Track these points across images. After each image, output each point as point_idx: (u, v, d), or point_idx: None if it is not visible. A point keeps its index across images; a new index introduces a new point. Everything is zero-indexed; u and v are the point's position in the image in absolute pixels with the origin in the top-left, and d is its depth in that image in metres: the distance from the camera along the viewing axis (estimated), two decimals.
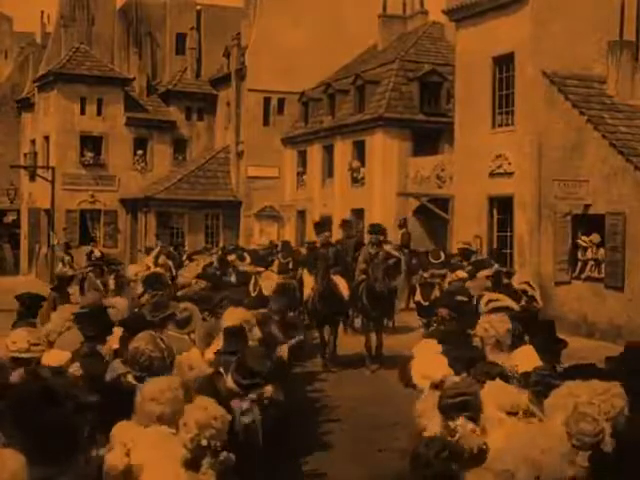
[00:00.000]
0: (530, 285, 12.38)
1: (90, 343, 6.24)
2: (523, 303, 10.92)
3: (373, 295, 14.02)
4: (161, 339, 5.23)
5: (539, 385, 5.05)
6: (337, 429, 10.68)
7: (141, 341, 5.21)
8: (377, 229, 14.94)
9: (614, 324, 17.52)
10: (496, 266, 15.30)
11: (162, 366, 5.03)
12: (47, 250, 34.00)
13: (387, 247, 15.37)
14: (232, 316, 7.44)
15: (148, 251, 21.12)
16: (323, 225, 16.69)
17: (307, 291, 14.81)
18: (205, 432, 4.34)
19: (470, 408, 4.51)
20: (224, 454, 4.51)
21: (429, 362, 5.78)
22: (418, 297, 14.80)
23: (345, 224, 17.94)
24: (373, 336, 14.69)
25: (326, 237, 15.14)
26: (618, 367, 5.47)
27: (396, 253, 15.78)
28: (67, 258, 18.96)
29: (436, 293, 13.87)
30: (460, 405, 4.50)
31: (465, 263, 15.53)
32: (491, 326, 6.39)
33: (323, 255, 14.47)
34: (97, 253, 19.41)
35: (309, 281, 14.92)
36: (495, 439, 4.21)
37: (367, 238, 16.78)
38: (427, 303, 13.92)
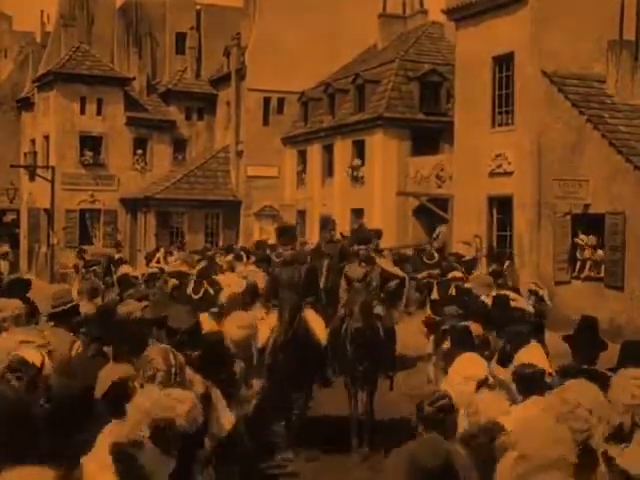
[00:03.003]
0: (538, 285, 12.26)
1: (96, 344, 6.26)
2: (533, 303, 10.89)
3: (355, 340, 9.38)
4: (175, 356, 5.23)
5: (521, 382, 5.08)
6: (337, 428, 10.62)
7: (153, 351, 5.23)
8: (366, 237, 10.64)
9: (614, 324, 17.50)
10: (494, 266, 15.25)
11: (165, 381, 5.02)
12: (47, 250, 34.00)
13: (383, 261, 11.32)
14: (236, 321, 7.00)
15: (150, 255, 20.80)
16: (289, 232, 11.04)
17: (263, 334, 9.37)
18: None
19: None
20: None
21: (468, 363, 5.73)
22: (435, 295, 13.36)
23: (325, 222, 13.02)
24: (363, 397, 9.86)
25: (293, 250, 10.33)
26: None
27: (399, 271, 11.47)
28: (82, 263, 18.82)
29: (452, 292, 12.34)
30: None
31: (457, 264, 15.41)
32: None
33: (288, 280, 9.73)
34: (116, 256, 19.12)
35: (271, 319, 9.69)
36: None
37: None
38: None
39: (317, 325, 9.68)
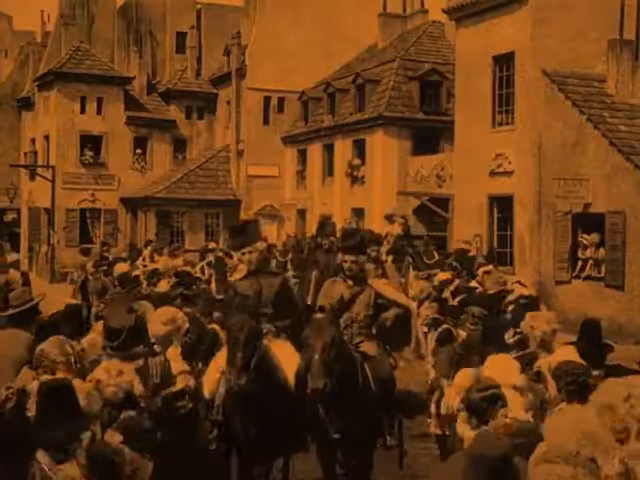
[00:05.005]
0: (521, 283, 12.21)
1: None
2: None
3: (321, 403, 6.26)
4: (71, 345, 5.27)
5: (572, 385, 5.05)
6: None
7: (48, 344, 5.29)
8: (353, 244, 7.20)
9: (614, 323, 17.49)
10: (490, 267, 15.17)
11: (67, 371, 5.09)
12: (47, 249, 33.98)
13: (381, 282, 8.39)
14: (160, 317, 6.96)
15: (134, 254, 20.33)
16: (243, 230, 7.80)
17: (211, 378, 6.66)
18: None
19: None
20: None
21: (502, 365, 5.60)
22: (446, 295, 12.40)
23: (322, 226, 10.31)
24: None
25: (255, 260, 7.35)
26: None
27: (402, 297, 7.96)
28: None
29: (447, 293, 11.99)
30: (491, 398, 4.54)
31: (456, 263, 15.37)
32: (538, 324, 6.34)
33: (244, 302, 6.84)
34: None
35: (220, 357, 6.58)
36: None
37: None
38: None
39: (290, 364, 6.61)
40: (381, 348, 7.05)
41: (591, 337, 6.27)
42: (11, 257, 16.88)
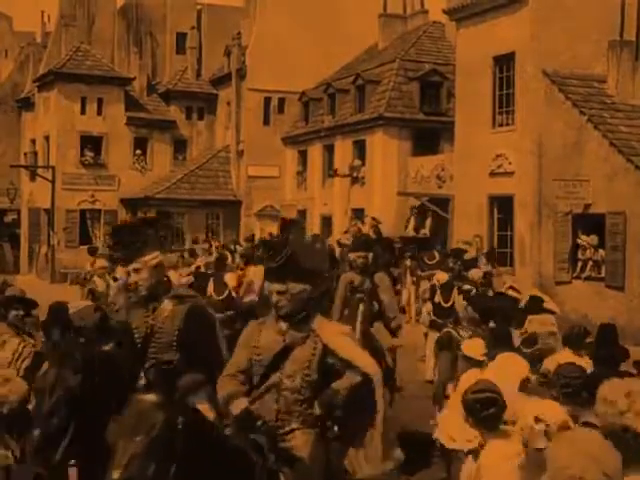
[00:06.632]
0: (514, 289, 12.12)
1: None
2: None
3: None
4: (25, 345, 5.78)
5: (566, 387, 5.04)
6: None
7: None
8: (284, 262, 4.41)
9: (615, 324, 17.47)
10: (487, 267, 15.16)
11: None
12: (47, 250, 33.99)
13: (333, 330, 4.63)
14: None
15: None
16: (130, 242, 4.96)
17: None
18: None
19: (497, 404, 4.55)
20: None
21: (509, 362, 5.59)
22: (438, 298, 12.50)
23: (288, 224, 6.61)
24: None
25: (145, 281, 4.92)
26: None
27: (363, 358, 4.56)
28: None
29: (455, 295, 11.83)
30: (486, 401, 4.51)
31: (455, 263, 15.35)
32: (531, 328, 6.30)
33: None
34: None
35: None
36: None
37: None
38: (448, 305, 11.95)
39: None
40: (321, 442, 4.43)
41: (607, 341, 6.22)
42: (99, 262, 14.14)
